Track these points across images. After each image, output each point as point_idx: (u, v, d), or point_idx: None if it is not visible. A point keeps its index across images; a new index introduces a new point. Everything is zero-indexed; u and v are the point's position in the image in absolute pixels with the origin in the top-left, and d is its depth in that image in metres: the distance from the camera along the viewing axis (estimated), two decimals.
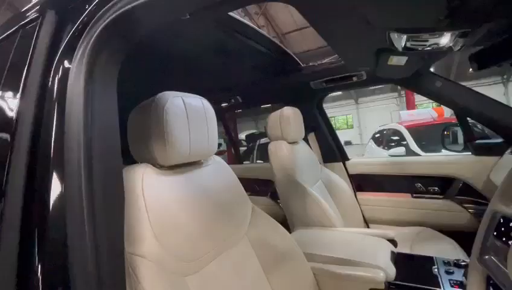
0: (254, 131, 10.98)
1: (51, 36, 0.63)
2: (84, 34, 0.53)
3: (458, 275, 0.89)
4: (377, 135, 5.97)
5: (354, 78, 1.55)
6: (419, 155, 4.17)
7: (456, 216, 1.52)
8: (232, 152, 4.23)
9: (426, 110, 5.61)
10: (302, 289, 0.90)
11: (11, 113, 0.61)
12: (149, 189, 0.64)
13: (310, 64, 1.64)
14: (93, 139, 0.51)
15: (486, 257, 0.62)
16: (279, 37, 9.53)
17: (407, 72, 1.34)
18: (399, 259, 1.00)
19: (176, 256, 0.63)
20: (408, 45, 0.91)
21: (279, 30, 9.61)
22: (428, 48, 0.90)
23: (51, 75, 0.57)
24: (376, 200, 1.75)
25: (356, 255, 0.97)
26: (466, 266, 0.90)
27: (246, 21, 1.14)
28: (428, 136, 4.59)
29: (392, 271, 0.91)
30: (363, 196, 1.78)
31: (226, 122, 2.51)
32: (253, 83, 1.77)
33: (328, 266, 0.96)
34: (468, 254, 1.19)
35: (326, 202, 1.36)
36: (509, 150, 1.34)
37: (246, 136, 9.12)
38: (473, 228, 1.48)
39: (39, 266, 0.46)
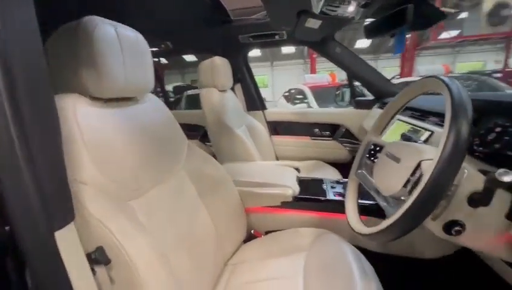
0: (181, 83, 10.32)
1: None
2: None
3: (339, 188, 1.17)
4: (286, 94, 6.55)
5: (277, 37, 1.66)
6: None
7: (338, 152, 1.95)
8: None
9: (323, 75, 6.35)
10: (231, 207, 1.02)
11: None
12: (83, 119, 0.59)
13: (240, 18, 1.64)
14: (15, 64, 0.36)
15: (359, 171, 0.83)
16: None
17: (318, 36, 1.52)
18: (301, 181, 1.23)
19: (117, 183, 0.62)
20: (323, 9, 1.05)
21: None
22: (337, 14, 1.06)
23: None
24: (286, 141, 2.04)
25: (271, 179, 1.16)
26: (343, 183, 1.21)
27: None
28: (324, 96, 5.36)
29: (297, 189, 1.12)
30: (276, 138, 2.05)
31: (157, 67, 2.31)
32: (184, 30, 1.67)
33: (250, 189, 1.11)
34: (344, 176, 1.59)
35: (248, 141, 1.52)
36: (376, 105, 1.76)
37: (174, 88, 8.53)
38: (347, 160, 1.96)
39: None
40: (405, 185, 0.57)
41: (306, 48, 12.14)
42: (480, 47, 12.78)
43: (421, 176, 0.53)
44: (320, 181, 1.25)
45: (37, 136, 0.37)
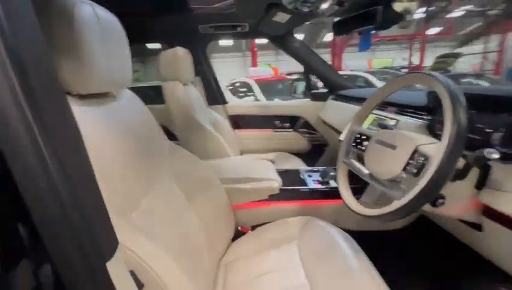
0: None
1: None
2: None
3: (315, 176, 1.24)
4: (230, 87, 6.52)
5: (239, 29, 1.62)
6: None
7: (299, 143, 2.06)
8: None
9: (266, 69, 6.55)
10: (220, 206, 0.98)
11: None
12: None
13: (200, 6, 1.55)
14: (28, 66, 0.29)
15: (347, 159, 0.92)
16: None
17: (283, 30, 1.56)
18: (279, 173, 1.24)
19: (121, 195, 0.55)
20: (296, 4, 1.07)
21: None
22: (308, 10, 1.09)
23: None
24: (249, 135, 2.05)
25: (254, 173, 1.16)
26: (318, 171, 1.29)
27: None
28: (269, 88, 5.55)
29: (280, 180, 1.14)
30: (240, 132, 2.04)
31: None
32: (138, 15, 1.48)
33: (237, 185, 1.09)
34: (308, 165, 1.69)
35: (220, 137, 1.48)
36: (330, 97, 1.91)
37: None
38: (308, 150, 2.09)
39: None
40: (404, 169, 0.65)
41: (244, 40, 12.23)
42: (390, 46, 15.04)
43: (425, 159, 0.60)
44: (296, 171, 1.30)
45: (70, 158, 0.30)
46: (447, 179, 0.54)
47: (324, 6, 1.02)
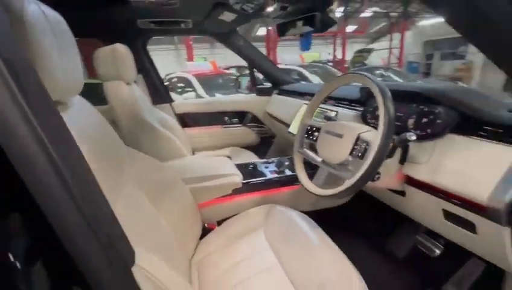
0: None
1: None
2: None
3: (272, 167, 1.33)
4: (166, 83, 6.15)
5: (182, 25, 1.58)
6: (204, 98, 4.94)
7: (249, 137, 2.14)
8: None
9: (204, 63, 6.41)
10: (185, 207, 0.99)
11: None
12: None
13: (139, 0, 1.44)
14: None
15: (301, 149, 1.02)
16: None
17: (227, 28, 1.58)
18: (238, 167, 1.29)
19: None
20: (244, 6, 1.12)
21: None
22: (254, 11, 1.16)
23: None
24: (199, 133, 2.03)
25: (216, 170, 1.18)
26: (272, 162, 1.39)
27: None
28: (208, 83, 5.46)
29: (240, 175, 1.19)
30: (189, 130, 2.00)
31: None
32: (70, 9, 1.29)
33: (201, 184, 1.10)
34: (260, 157, 1.80)
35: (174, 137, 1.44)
36: (275, 92, 2.04)
37: None
38: (257, 143, 2.19)
39: None
40: (351, 153, 0.78)
41: None
42: (316, 41, 16.43)
43: (367, 144, 0.74)
44: (253, 164, 1.38)
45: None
46: (383, 158, 0.69)
47: (269, 9, 1.09)
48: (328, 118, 1.04)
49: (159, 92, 1.87)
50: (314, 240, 0.87)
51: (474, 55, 10.05)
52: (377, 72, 7.19)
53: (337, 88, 0.95)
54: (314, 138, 0.95)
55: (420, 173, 0.78)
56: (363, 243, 1.29)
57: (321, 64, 6.90)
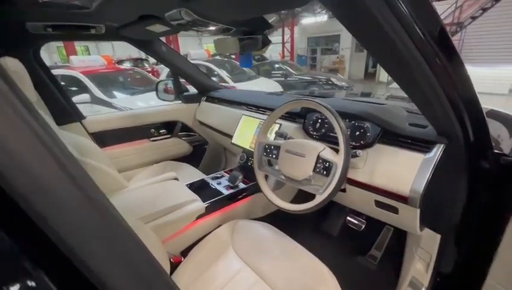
0: None
1: None
2: None
3: (224, 182, 1.33)
4: None
5: (93, 30, 1.31)
6: (105, 101, 4.21)
7: (180, 147, 2.02)
8: None
9: (97, 57, 5.41)
10: (152, 251, 0.90)
11: None
12: None
13: None
14: None
15: (262, 167, 1.06)
16: None
17: (152, 37, 1.42)
18: (191, 189, 1.23)
19: None
20: (190, 25, 1.04)
21: None
22: (198, 29, 1.10)
23: None
24: (121, 152, 1.76)
25: (174, 199, 1.08)
26: (222, 176, 1.39)
27: None
28: (104, 82, 4.64)
29: (199, 199, 1.14)
30: (109, 150, 1.71)
31: None
32: None
33: (162, 219, 1.00)
34: (195, 166, 1.74)
35: (107, 167, 1.21)
36: (203, 98, 1.99)
37: None
38: (190, 152, 2.09)
39: None
40: (314, 170, 0.90)
41: None
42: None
43: (329, 162, 0.86)
44: (202, 181, 1.35)
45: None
46: (347, 174, 0.83)
47: (212, 28, 1.07)
48: (280, 134, 1.13)
49: (65, 109, 1.51)
50: (283, 247, 0.97)
51: (344, 51, 12.49)
52: (277, 66, 7.92)
53: (289, 110, 1.05)
54: (274, 156, 1.03)
55: (359, 176, 0.98)
56: (311, 232, 1.51)
57: (221, 58, 6.97)
